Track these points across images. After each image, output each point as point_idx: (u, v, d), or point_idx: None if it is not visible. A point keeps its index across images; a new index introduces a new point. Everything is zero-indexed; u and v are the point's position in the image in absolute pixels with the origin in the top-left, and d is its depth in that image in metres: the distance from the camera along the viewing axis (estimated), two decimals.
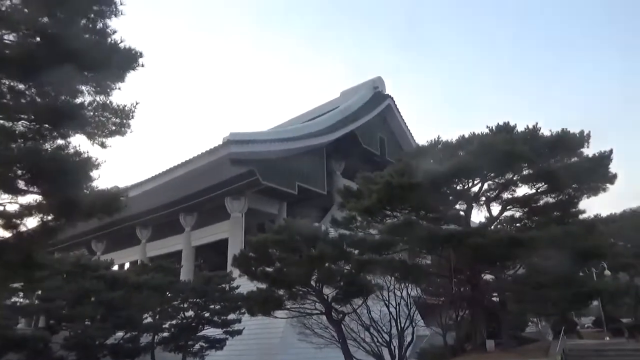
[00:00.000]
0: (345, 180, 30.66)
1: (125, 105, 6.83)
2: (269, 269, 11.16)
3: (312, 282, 11.54)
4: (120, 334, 17.48)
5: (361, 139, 31.98)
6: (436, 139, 11.75)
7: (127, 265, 33.07)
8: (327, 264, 10.60)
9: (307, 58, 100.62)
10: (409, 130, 32.90)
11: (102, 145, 7.02)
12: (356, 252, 11.63)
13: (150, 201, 27.87)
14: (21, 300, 16.29)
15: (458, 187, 12.11)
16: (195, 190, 26.99)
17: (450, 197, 12.41)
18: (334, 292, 12.11)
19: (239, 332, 18.22)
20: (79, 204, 6.75)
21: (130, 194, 27.64)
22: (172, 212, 28.75)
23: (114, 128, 6.86)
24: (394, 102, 33.63)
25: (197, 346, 17.90)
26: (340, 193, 13.07)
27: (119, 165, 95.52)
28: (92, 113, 6.69)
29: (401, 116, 33.81)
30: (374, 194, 10.91)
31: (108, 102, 6.75)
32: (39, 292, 16.48)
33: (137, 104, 6.96)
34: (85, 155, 6.55)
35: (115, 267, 25.30)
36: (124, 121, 6.87)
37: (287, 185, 27.37)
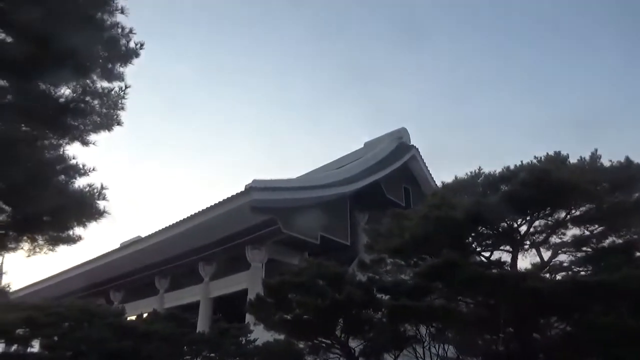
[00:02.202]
0: (366, 234, 29.03)
1: (112, 90, 5.60)
2: (288, 317, 9.43)
3: (337, 333, 9.72)
4: None
5: (385, 189, 30.52)
6: (477, 170, 10.26)
7: (145, 316, 31.41)
8: (354, 311, 8.86)
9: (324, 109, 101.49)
10: (433, 179, 31.34)
11: (84, 142, 5.76)
12: (387, 298, 9.90)
13: (169, 249, 26.57)
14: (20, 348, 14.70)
15: (501, 228, 10.43)
16: (215, 238, 25.67)
17: (492, 239, 10.70)
18: (361, 345, 10.24)
19: None
20: (40, 203, 5.38)
21: (150, 241, 26.64)
22: (191, 261, 27.33)
23: (99, 120, 5.61)
24: (418, 152, 32.38)
25: None
26: (367, 233, 11.46)
27: (141, 211, 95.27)
28: (74, 104, 5.49)
29: (425, 166, 32.42)
30: (406, 231, 9.34)
31: (93, 87, 5.54)
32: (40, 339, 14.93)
33: (126, 87, 5.74)
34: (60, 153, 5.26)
35: (133, 317, 23.75)
36: (112, 111, 5.63)
37: (309, 235, 25.80)
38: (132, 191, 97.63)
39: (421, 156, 32.64)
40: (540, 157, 9.85)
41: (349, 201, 29.03)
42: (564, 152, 9.79)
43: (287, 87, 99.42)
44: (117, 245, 29.32)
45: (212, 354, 16.40)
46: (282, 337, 10.71)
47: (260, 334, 16.83)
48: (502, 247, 10.70)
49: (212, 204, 24.03)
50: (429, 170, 32.54)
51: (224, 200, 23.75)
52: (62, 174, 5.63)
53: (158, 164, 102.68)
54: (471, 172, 10.19)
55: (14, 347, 15.27)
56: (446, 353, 11.94)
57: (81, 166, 5.73)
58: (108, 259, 28.85)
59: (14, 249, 6.10)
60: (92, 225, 5.71)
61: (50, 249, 6.23)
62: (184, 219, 24.94)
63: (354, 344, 10.62)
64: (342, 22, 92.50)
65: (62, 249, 6.23)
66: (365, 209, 30.67)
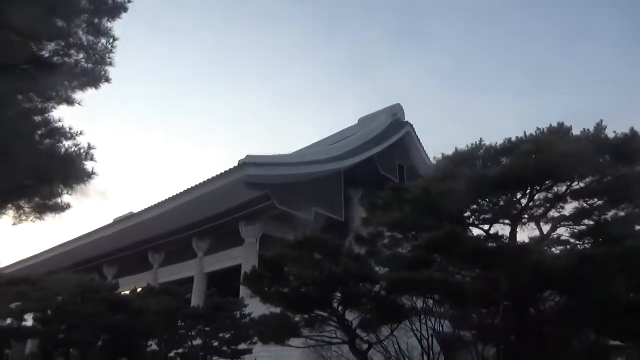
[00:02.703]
0: (363, 208, 28.89)
1: (99, 42, 5.16)
2: (285, 290, 9.20)
3: (334, 305, 9.52)
4: None
5: (379, 166, 30.27)
6: (477, 142, 9.95)
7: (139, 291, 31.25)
8: (351, 284, 8.64)
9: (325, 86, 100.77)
10: (428, 157, 31.06)
11: (69, 101, 5.35)
12: (384, 271, 9.69)
13: (162, 225, 26.24)
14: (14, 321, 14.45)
15: (501, 201, 10.21)
16: (209, 214, 25.37)
17: (491, 212, 10.47)
18: (358, 319, 10.07)
19: None
20: (23, 167, 5.01)
21: (143, 217, 26.24)
22: (185, 236, 27.05)
23: (83, 77, 5.20)
24: (413, 129, 32.07)
25: None
26: (364, 206, 11.19)
27: (134, 185, 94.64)
28: (57, 58, 5.06)
29: (420, 143, 32.15)
30: (407, 204, 9.07)
31: (77, 41, 5.11)
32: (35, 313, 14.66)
33: (114, 40, 5.30)
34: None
35: (127, 292, 23.57)
36: (98, 67, 5.22)
37: (303, 210, 25.51)
38: (125, 163, 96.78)
39: (415, 133, 32.33)
40: (543, 129, 9.58)
41: (343, 177, 28.74)
42: (567, 124, 9.53)
43: (285, 70, 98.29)
44: (110, 221, 28.87)
45: (207, 328, 16.27)
46: (277, 310, 10.47)
47: (256, 308, 16.72)
48: (501, 221, 10.49)
49: (206, 179, 23.63)
50: (423, 147, 32.28)
51: (217, 175, 23.35)
52: (47, 137, 5.28)
53: (153, 137, 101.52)
54: (472, 144, 9.91)
55: (7, 321, 15.00)
56: (442, 327, 11.83)
57: (67, 129, 5.37)
58: (101, 234, 28.47)
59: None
60: (80, 188, 5.40)
61: (37, 217, 5.90)
62: (177, 194, 24.56)
63: (351, 316, 10.47)
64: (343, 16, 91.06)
65: (50, 217, 5.90)
66: (360, 185, 30.42)
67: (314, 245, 9.59)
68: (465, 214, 10.43)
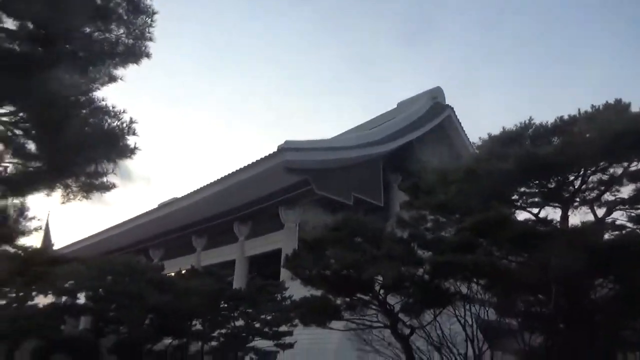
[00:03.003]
0: (402, 193, 28.41)
1: (138, 18, 5.09)
2: (327, 272, 9.09)
3: (376, 289, 9.34)
4: (168, 340, 15.98)
5: (419, 150, 29.62)
6: (527, 121, 9.41)
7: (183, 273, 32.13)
8: (394, 267, 8.41)
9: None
10: (469, 140, 30.11)
11: (111, 78, 5.35)
12: (427, 255, 9.40)
13: (205, 210, 26.74)
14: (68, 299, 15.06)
15: (552, 183, 9.66)
16: (249, 199, 25.63)
17: (541, 195, 9.95)
18: (400, 303, 9.86)
19: (291, 345, 16.27)
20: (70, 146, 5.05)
21: (186, 202, 26.73)
22: (227, 221, 27.48)
23: (124, 53, 5.17)
24: (454, 111, 31.13)
25: (246, 358, 16.12)
26: (407, 190, 10.90)
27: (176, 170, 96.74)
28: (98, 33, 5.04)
29: (461, 127, 31.22)
30: (451, 186, 8.72)
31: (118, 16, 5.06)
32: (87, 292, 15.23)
33: (153, 14, 5.22)
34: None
35: (171, 274, 24.24)
36: (139, 42, 5.16)
37: (342, 195, 25.41)
38: (166, 147, 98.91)
39: (456, 116, 31.37)
40: (599, 106, 8.95)
41: (382, 162, 28.35)
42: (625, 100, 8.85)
43: (321, 55, 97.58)
44: (155, 206, 29.69)
45: (249, 310, 16.45)
46: (318, 293, 10.40)
47: (296, 291, 16.77)
48: (551, 204, 9.96)
49: (246, 165, 23.82)
50: (464, 131, 31.33)
51: (257, 161, 23.48)
52: (91, 116, 5.32)
53: (195, 123, 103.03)
54: (520, 124, 9.37)
55: (62, 299, 15.66)
56: (487, 314, 11.44)
57: (111, 107, 5.41)
58: (147, 218, 29.35)
59: (48, 195, 5.93)
60: (124, 165, 5.49)
61: (84, 196, 6.02)
62: (218, 180, 24.91)
63: (393, 300, 10.27)
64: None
65: (96, 196, 6.01)
66: (399, 170, 29.90)
67: (354, 229, 9.42)
68: (513, 197, 9.96)
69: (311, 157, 23.89)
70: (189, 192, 26.34)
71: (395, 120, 29.59)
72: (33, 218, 8.74)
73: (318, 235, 9.44)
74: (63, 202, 5.87)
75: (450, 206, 9.16)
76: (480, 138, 10.83)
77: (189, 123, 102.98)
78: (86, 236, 35.81)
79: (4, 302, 14.22)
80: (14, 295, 14.14)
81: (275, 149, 22.87)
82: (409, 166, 29.35)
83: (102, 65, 5.28)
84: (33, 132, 5.06)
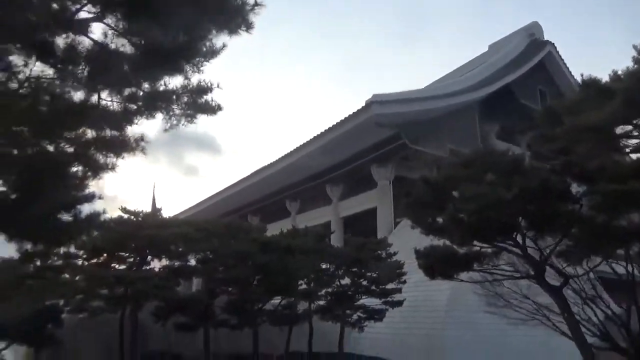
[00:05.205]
0: (500, 141, 25.73)
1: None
2: (458, 215, 7.53)
3: (518, 232, 7.65)
4: (276, 300, 15.50)
5: (517, 94, 26.58)
6: None
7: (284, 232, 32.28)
8: (548, 203, 6.65)
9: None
10: (573, 77, 26.33)
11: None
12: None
13: (296, 173, 26.09)
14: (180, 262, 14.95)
15: None
16: (340, 159, 24.49)
17: None
18: (548, 249, 8.08)
19: (399, 303, 15.09)
20: None
21: (278, 166, 26.12)
22: (319, 183, 26.71)
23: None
24: (555, 47, 27.36)
25: (355, 316, 15.22)
26: (540, 116, 8.84)
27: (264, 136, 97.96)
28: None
29: (564, 63, 27.41)
30: (617, 95, 6.65)
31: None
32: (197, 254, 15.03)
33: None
34: None
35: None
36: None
37: (436, 148, 23.37)
38: (251, 114, 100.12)
39: (558, 52, 27.59)
40: None
41: (478, 110, 25.74)
42: None
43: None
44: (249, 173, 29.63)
45: (354, 269, 15.46)
46: (440, 242, 8.90)
47: (402, 244, 15.47)
48: None
49: (335, 123, 22.59)
50: (568, 69, 27.51)
51: (345, 118, 22.12)
52: None
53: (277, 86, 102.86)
54: None
55: (175, 262, 15.59)
56: None
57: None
58: (243, 184, 29.44)
59: (148, 118, 5.07)
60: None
61: (188, 120, 5.11)
62: (308, 141, 24.00)
63: (532, 248, 8.52)
64: None
65: (200, 118, 5.06)
66: (496, 117, 27.10)
67: (489, 162, 7.71)
68: None
69: (401, 109, 22.11)
70: (280, 156, 25.80)
71: (488, 63, 26.64)
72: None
73: (443, 174, 7.88)
74: (165, 130, 5.02)
75: (608, 125, 7.11)
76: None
77: (269, 86, 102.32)
78: (187, 207, 37.11)
79: (124, 266, 14.31)
80: (131, 259, 14.22)
81: (363, 104, 21.40)
82: (507, 112, 26.51)
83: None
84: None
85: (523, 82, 26.11)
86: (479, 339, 14.28)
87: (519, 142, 26.30)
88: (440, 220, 8.18)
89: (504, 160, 7.58)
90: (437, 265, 8.39)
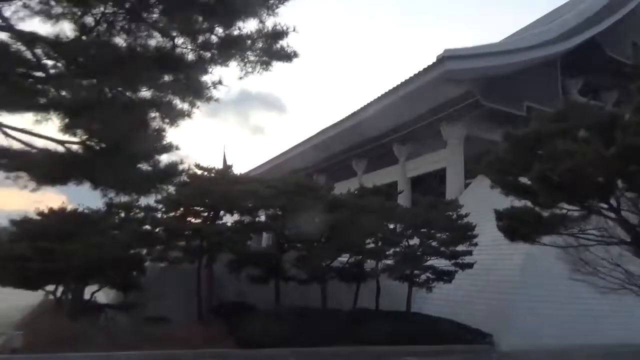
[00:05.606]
0: (584, 99, 23.56)
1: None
2: (549, 175, 6.91)
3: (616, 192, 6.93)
4: (344, 258, 15.57)
5: (605, 46, 23.99)
6: None
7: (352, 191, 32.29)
8: None
9: None
10: None
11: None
12: None
13: (364, 132, 25.57)
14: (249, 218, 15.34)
15: None
16: (409, 117, 23.66)
17: None
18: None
19: (470, 265, 14.59)
20: None
21: (344, 125, 25.74)
22: (386, 142, 26.12)
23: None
24: None
25: (423, 277, 14.96)
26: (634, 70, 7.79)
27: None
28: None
29: None
30: None
31: None
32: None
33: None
34: None
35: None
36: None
37: (512, 106, 21.92)
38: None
39: None
40: None
41: (560, 64, 23.58)
42: None
43: None
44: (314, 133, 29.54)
45: (423, 229, 15.07)
46: (522, 203, 8.31)
47: (474, 211, 14.83)
48: None
49: (404, 80, 21.68)
50: None
51: (416, 74, 21.09)
52: None
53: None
54: None
55: (245, 218, 16.02)
56: None
57: None
58: (309, 144, 29.46)
59: (222, 66, 4.99)
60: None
61: (263, 68, 4.96)
62: (376, 99, 23.31)
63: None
64: None
65: (276, 66, 4.89)
66: (579, 72, 24.82)
67: (581, 117, 6.95)
68: None
69: (475, 64, 20.73)
70: (347, 115, 25.38)
71: (572, 14, 24.10)
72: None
73: (533, 129, 7.23)
74: (241, 78, 4.92)
75: None
76: None
77: (338, 39, 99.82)
78: (254, 166, 37.97)
79: (199, 220, 14.88)
80: (205, 214, 14.74)
81: (434, 60, 20.24)
82: (592, 66, 24.10)
83: None
84: None
85: (612, 34, 23.52)
86: (553, 306, 13.62)
87: (605, 100, 24.01)
88: (523, 180, 7.59)
89: (601, 115, 6.78)
90: (519, 227, 7.87)
